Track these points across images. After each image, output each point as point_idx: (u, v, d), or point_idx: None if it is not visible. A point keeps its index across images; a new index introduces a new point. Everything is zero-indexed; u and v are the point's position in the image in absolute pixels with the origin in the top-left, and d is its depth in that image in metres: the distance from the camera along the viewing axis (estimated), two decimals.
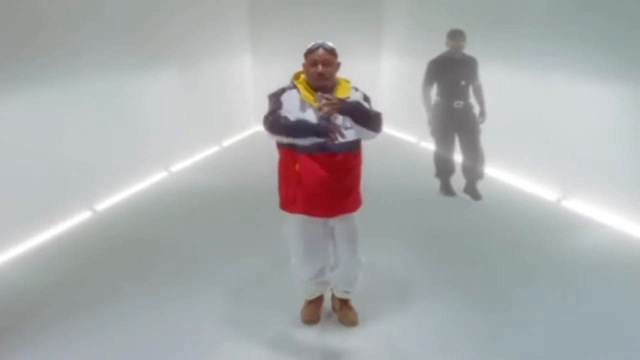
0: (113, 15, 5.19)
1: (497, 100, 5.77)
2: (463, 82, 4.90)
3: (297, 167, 2.66)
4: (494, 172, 5.86)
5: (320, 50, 2.62)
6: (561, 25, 4.86)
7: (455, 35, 4.80)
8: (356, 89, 2.76)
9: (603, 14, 4.43)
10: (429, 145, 7.24)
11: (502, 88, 5.68)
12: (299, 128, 2.55)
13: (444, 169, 5.27)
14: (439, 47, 7.16)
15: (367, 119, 2.63)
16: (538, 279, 3.55)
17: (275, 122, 2.58)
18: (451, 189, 5.25)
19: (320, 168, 2.63)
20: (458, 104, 4.91)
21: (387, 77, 8.29)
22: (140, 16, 5.61)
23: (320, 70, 2.60)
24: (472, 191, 5.13)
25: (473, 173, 5.10)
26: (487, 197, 5.16)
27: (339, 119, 2.61)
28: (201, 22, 6.81)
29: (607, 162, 4.55)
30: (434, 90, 5.07)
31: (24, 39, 4.10)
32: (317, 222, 2.78)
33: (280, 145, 2.74)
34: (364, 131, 2.65)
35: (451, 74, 4.89)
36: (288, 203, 2.78)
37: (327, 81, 2.65)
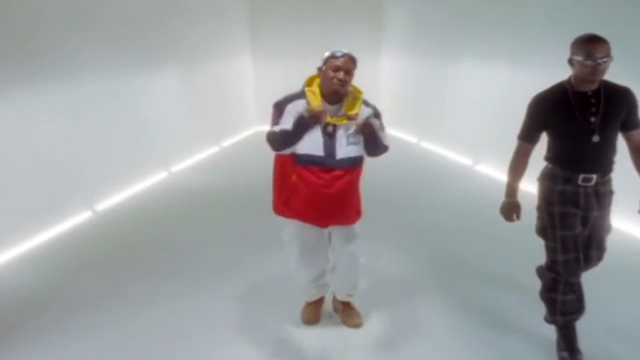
0: (113, 15, 5.18)
1: (498, 98, 5.79)
2: (598, 139, 2.54)
3: (294, 177, 2.66)
4: (493, 170, 5.87)
5: (346, 58, 2.58)
6: (562, 24, 4.85)
7: (593, 47, 2.45)
8: (367, 104, 2.71)
9: (605, 13, 4.42)
10: (428, 145, 7.29)
11: (504, 87, 5.68)
12: (292, 136, 2.54)
13: (565, 302, 2.69)
14: (440, 48, 7.08)
15: (376, 147, 2.66)
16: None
17: (273, 138, 2.60)
18: (578, 348, 2.71)
19: (317, 182, 2.62)
20: (587, 179, 2.60)
21: (387, 77, 8.29)
22: (140, 16, 5.61)
23: (342, 77, 2.56)
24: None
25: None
26: (487, 197, 5.14)
27: (341, 134, 2.60)
28: (201, 22, 6.81)
29: None
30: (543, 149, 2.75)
31: (24, 38, 4.09)
32: (312, 227, 2.78)
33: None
34: (366, 151, 2.68)
35: (578, 124, 2.54)
36: (280, 207, 2.79)
37: (344, 89, 2.61)
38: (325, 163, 2.60)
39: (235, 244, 4.16)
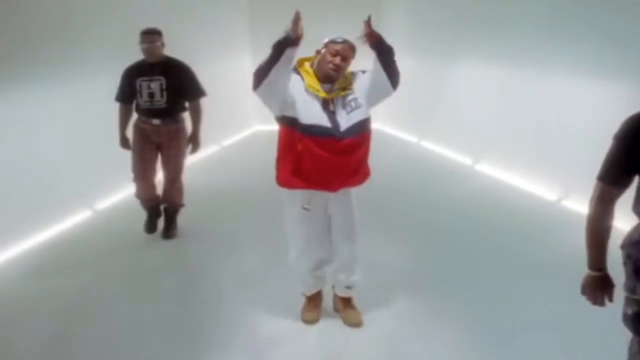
0: (113, 15, 5.19)
1: (498, 98, 5.80)
2: None
3: (300, 146, 2.63)
4: (493, 170, 5.87)
5: (345, 45, 2.66)
6: (562, 23, 4.85)
7: None
8: (353, 73, 2.79)
9: (604, 12, 4.42)
10: (427, 145, 7.28)
11: (504, 86, 5.69)
12: (271, 59, 2.48)
13: None
14: (440, 47, 7.08)
15: (392, 61, 2.76)
16: (538, 278, 3.55)
17: (256, 69, 2.53)
18: None
19: (323, 152, 2.61)
20: None
21: None
22: (140, 16, 5.61)
23: (338, 63, 2.63)
24: None
25: None
26: (487, 197, 5.16)
27: (340, 106, 2.63)
28: (201, 22, 6.81)
29: None
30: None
31: (24, 39, 4.10)
32: (317, 208, 2.76)
33: (282, 124, 2.71)
34: (383, 80, 2.70)
35: None
36: (287, 177, 2.72)
37: (337, 74, 2.65)
38: (334, 134, 2.60)
39: (235, 244, 4.16)
